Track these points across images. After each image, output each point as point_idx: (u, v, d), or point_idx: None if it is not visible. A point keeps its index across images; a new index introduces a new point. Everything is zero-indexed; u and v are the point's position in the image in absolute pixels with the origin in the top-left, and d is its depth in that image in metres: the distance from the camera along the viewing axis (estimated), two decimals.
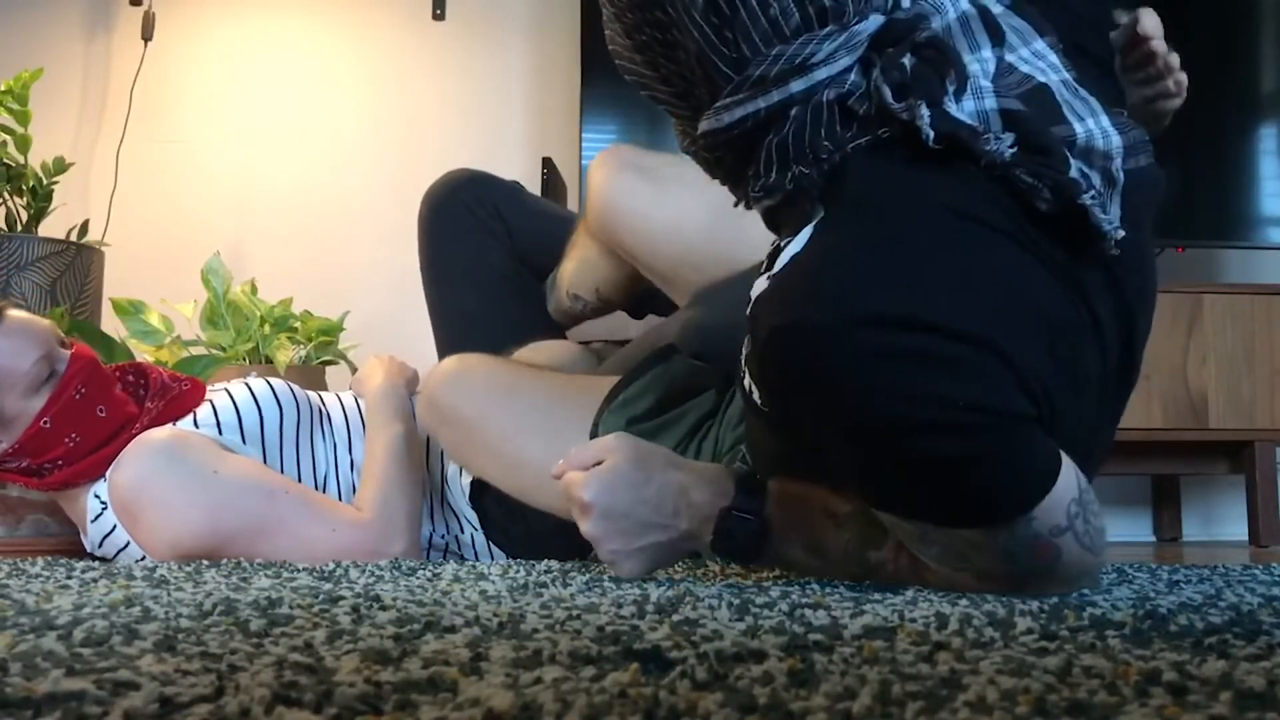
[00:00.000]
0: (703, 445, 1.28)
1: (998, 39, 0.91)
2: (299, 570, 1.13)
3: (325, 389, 2.06)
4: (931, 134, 0.84)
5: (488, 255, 1.72)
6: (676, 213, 1.47)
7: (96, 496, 1.42)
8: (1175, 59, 1.11)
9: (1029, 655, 0.58)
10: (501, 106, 2.92)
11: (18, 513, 1.62)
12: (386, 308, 2.57)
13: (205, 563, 1.25)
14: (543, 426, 1.32)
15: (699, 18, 0.88)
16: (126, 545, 1.41)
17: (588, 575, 1.07)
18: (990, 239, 0.83)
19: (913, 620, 0.71)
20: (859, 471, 0.86)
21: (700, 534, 0.99)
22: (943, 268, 0.81)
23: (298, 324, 2.13)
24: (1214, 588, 0.99)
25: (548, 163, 2.57)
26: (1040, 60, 0.91)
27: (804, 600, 0.82)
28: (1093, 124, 0.88)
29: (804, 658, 0.56)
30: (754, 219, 1.27)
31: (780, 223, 0.98)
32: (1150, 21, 1.08)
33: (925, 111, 0.85)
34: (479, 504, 1.54)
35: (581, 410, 1.32)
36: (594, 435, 1.27)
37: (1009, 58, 0.91)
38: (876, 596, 0.87)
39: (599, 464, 1.01)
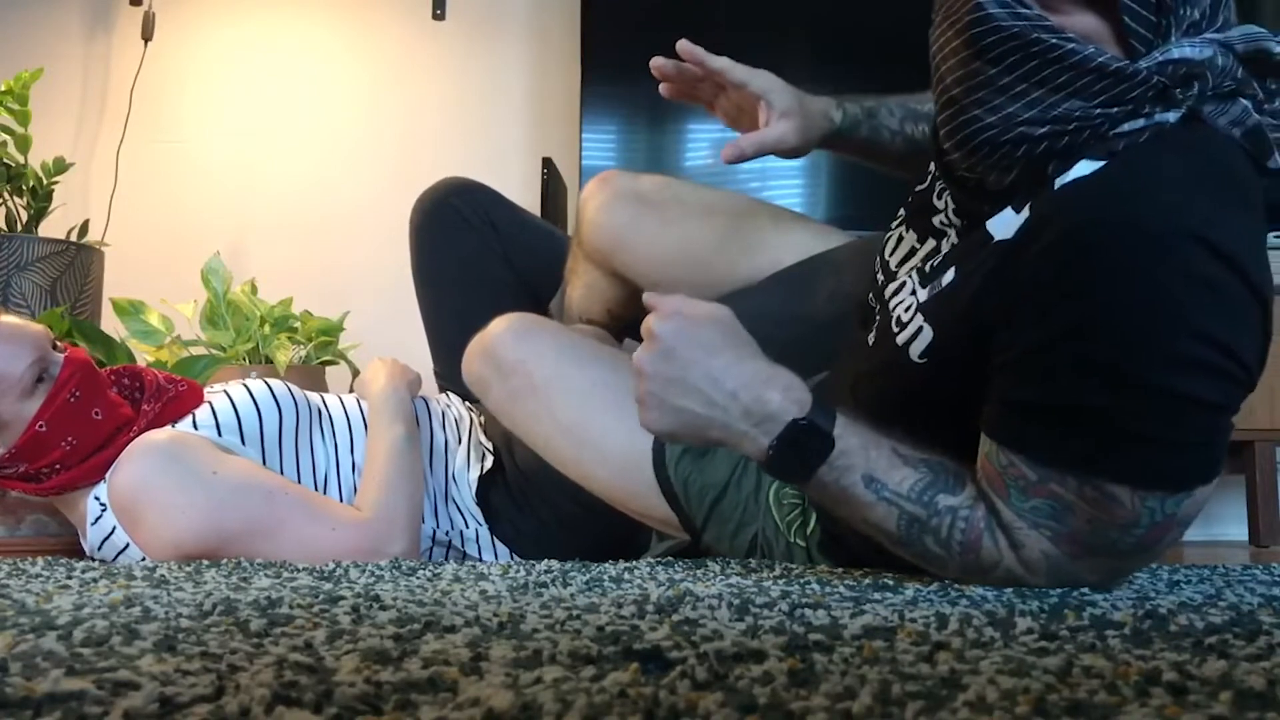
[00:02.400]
0: (749, 464, 1.26)
1: None
2: (299, 570, 1.13)
3: (325, 389, 2.06)
4: None
5: (482, 259, 1.72)
6: (684, 234, 1.46)
7: (96, 499, 1.42)
8: None
9: (1029, 655, 0.58)
10: (501, 106, 2.92)
11: (18, 513, 1.61)
12: (386, 308, 2.57)
13: (205, 563, 1.25)
14: (613, 400, 1.26)
15: None
16: (126, 547, 1.40)
17: (588, 575, 1.07)
18: (1260, 214, 0.90)
19: (913, 620, 0.71)
20: (1048, 400, 0.88)
21: (754, 436, 0.94)
22: (1243, 221, 0.87)
23: (298, 324, 2.13)
24: (1214, 588, 0.99)
25: (548, 163, 2.57)
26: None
27: (804, 600, 0.82)
28: None
29: (804, 658, 0.56)
30: (763, 238, 1.31)
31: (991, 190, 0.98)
32: None
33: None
34: (484, 499, 1.54)
35: None
36: (660, 444, 1.26)
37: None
38: (876, 597, 0.87)
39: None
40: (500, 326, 1.36)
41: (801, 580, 1.02)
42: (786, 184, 2.75)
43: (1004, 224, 0.94)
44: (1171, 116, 0.90)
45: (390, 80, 2.91)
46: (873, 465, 0.94)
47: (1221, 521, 2.86)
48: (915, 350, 0.99)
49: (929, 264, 1.04)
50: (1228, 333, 0.84)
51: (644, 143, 2.74)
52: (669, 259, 1.46)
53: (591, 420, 1.29)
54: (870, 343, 1.09)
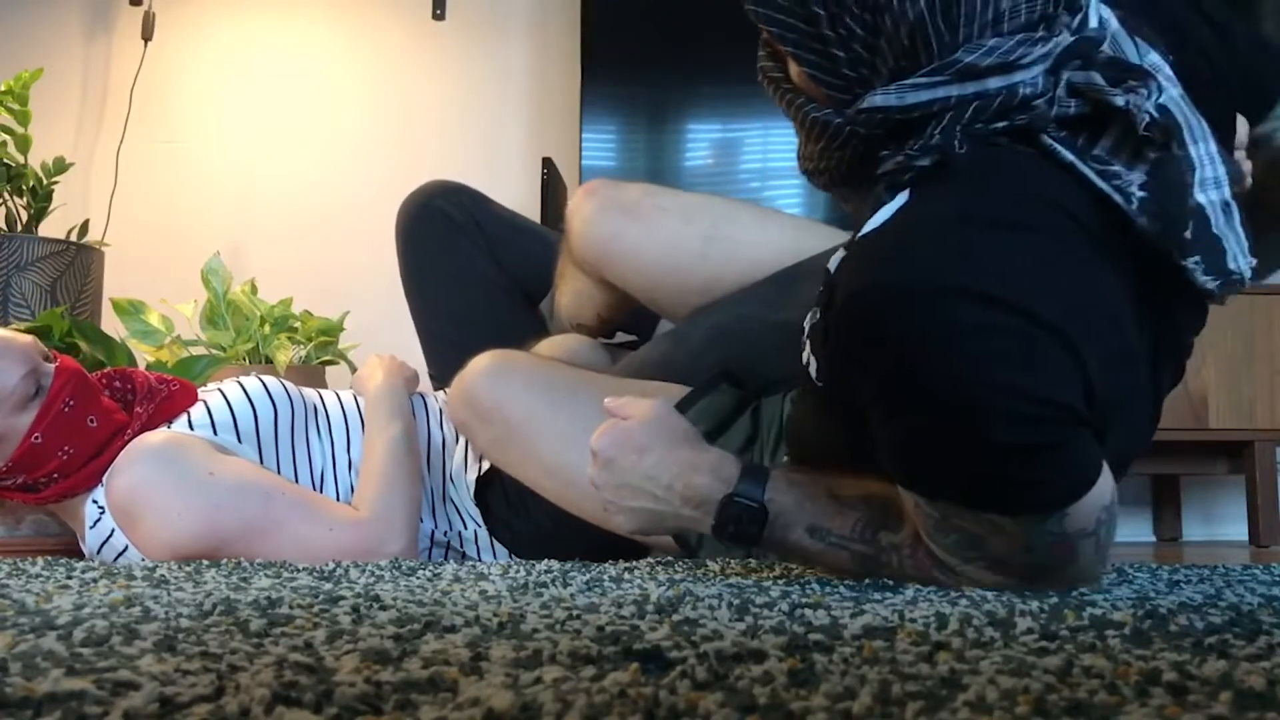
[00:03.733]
0: None
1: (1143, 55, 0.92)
2: (299, 570, 1.13)
3: (325, 389, 2.06)
4: (1148, 118, 0.85)
5: (471, 260, 1.73)
6: (668, 244, 1.47)
7: (94, 502, 1.42)
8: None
9: (1029, 655, 0.58)
10: (501, 106, 2.92)
11: (18, 513, 1.61)
12: (386, 308, 2.56)
13: (205, 563, 1.25)
14: (588, 435, 1.30)
15: None
16: (125, 550, 1.40)
17: (588, 575, 1.07)
18: (1076, 238, 0.85)
19: (913, 620, 0.71)
20: (905, 446, 0.87)
21: (699, 518, 1.00)
22: (1031, 255, 0.83)
23: (298, 324, 2.13)
24: (1214, 588, 0.99)
25: (548, 163, 2.57)
26: (1159, 73, 0.92)
27: (804, 600, 0.82)
28: (1204, 149, 0.89)
29: (804, 658, 0.56)
30: (742, 238, 1.30)
31: (855, 204, 0.99)
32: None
33: (1144, 95, 0.86)
34: (483, 500, 1.54)
35: None
36: None
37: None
38: (876, 596, 0.87)
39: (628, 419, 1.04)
40: (475, 369, 1.37)
41: (801, 580, 1.02)
42: (786, 184, 2.75)
43: (834, 260, 0.95)
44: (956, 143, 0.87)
45: (390, 80, 2.91)
46: (813, 516, 0.97)
47: (1221, 521, 2.87)
48: (812, 372, 0.99)
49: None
50: (1023, 377, 0.80)
51: (644, 143, 2.74)
52: (653, 268, 1.48)
53: (575, 458, 1.29)
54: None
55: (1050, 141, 0.88)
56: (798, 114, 0.96)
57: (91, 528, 1.42)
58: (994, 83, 0.87)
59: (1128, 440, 0.95)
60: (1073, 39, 0.89)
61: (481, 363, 1.38)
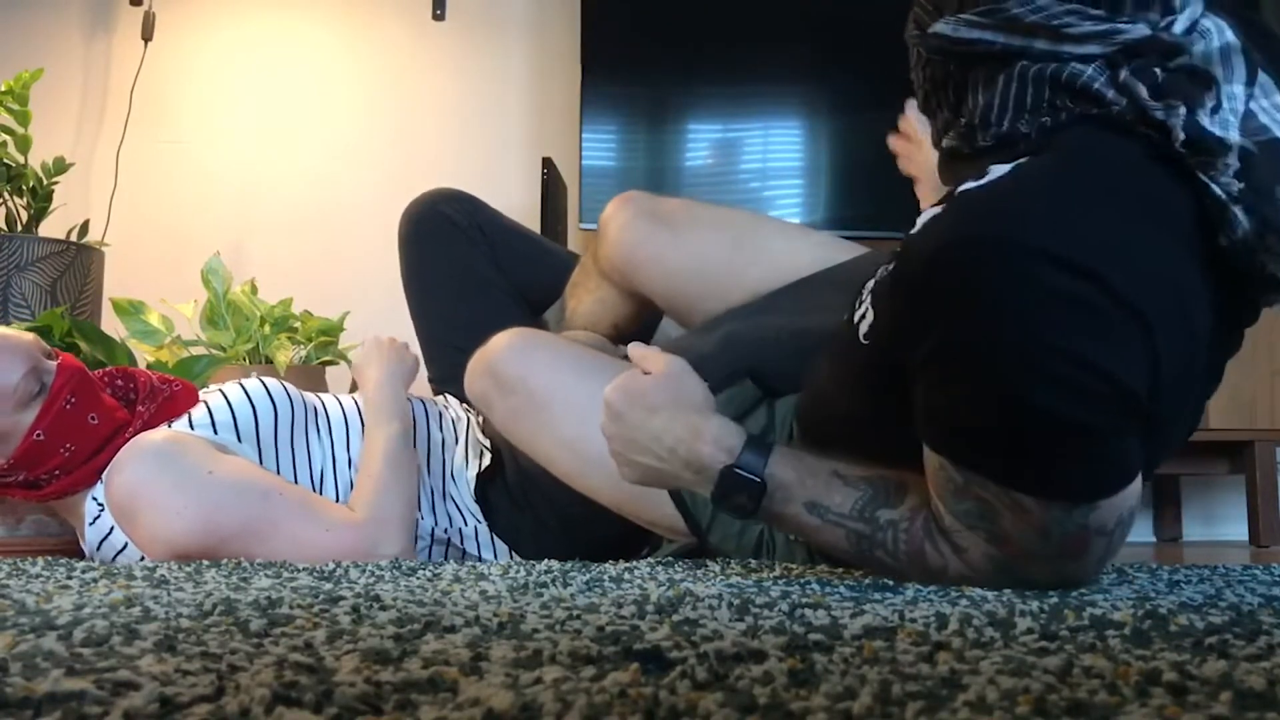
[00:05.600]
0: None
1: (1251, 79, 0.92)
2: (299, 570, 1.13)
3: (325, 389, 2.06)
4: (1182, 136, 0.86)
5: (474, 264, 1.74)
6: (696, 253, 1.50)
7: (94, 500, 1.43)
8: None
9: (1029, 655, 0.58)
10: (501, 106, 2.92)
11: (18, 513, 1.61)
12: (386, 308, 2.56)
13: (205, 563, 1.25)
14: None
15: None
16: (124, 548, 1.40)
17: (588, 575, 1.07)
18: (1169, 229, 0.86)
19: (913, 620, 0.71)
20: (950, 410, 0.88)
21: (699, 483, 1.02)
22: (1126, 236, 0.84)
23: (298, 324, 2.13)
24: (1214, 588, 0.99)
25: (548, 163, 2.57)
26: (1278, 114, 0.92)
27: (804, 600, 0.82)
28: None
29: (804, 658, 0.56)
30: (768, 247, 1.32)
31: (958, 171, 1.00)
32: None
33: (1182, 112, 0.87)
34: (484, 497, 1.54)
35: None
36: None
37: (1251, 104, 0.92)
38: (876, 597, 0.87)
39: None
40: (501, 342, 1.38)
41: (801, 580, 1.02)
42: (786, 184, 2.75)
43: (921, 220, 0.96)
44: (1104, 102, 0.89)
45: (390, 80, 2.91)
46: (812, 492, 0.98)
47: (1221, 521, 2.87)
48: (862, 330, 1.01)
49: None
50: (1093, 350, 0.81)
51: (644, 143, 2.74)
52: (681, 274, 1.51)
53: (594, 433, 1.30)
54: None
55: (1146, 130, 0.89)
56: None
57: (91, 524, 1.42)
58: (1040, 44, 0.90)
59: (1163, 445, 0.95)
60: (1147, 34, 0.90)
61: (507, 337, 1.39)
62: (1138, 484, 0.88)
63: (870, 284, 1.03)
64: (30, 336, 1.46)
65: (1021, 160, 0.90)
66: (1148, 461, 0.91)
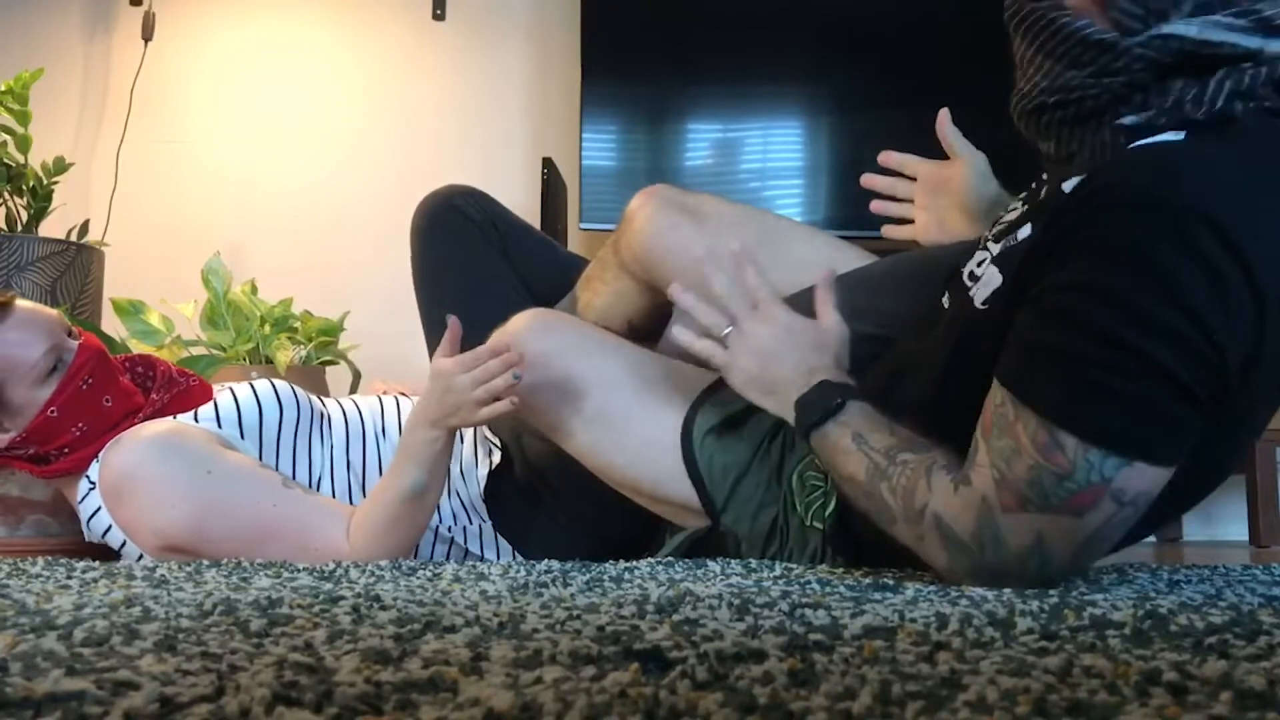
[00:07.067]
0: (772, 445, 1.30)
1: None
2: (299, 570, 1.13)
3: (325, 389, 2.06)
4: None
5: (487, 256, 1.74)
6: (715, 244, 1.50)
7: (87, 477, 1.44)
8: None
9: (1029, 655, 0.58)
10: (501, 106, 2.92)
11: (18, 513, 1.62)
12: (386, 308, 2.57)
13: (205, 562, 1.25)
14: (637, 388, 1.34)
15: None
16: (110, 528, 1.41)
17: (588, 575, 1.07)
18: None
19: (913, 620, 0.71)
20: (1042, 348, 0.91)
21: (795, 385, 1.13)
22: (1277, 222, 0.87)
23: (298, 324, 2.13)
24: (1214, 588, 0.99)
25: (548, 163, 2.57)
26: None
27: (804, 600, 0.82)
28: None
29: (804, 658, 0.56)
30: (791, 248, 1.35)
31: (1059, 153, 1.02)
32: None
33: None
34: (492, 495, 1.54)
35: (677, 391, 1.34)
36: (689, 420, 1.31)
37: None
38: (876, 596, 0.87)
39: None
40: (522, 321, 1.39)
41: (801, 580, 1.02)
42: (786, 184, 2.75)
43: (1073, 183, 0.97)
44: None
45: (390, 80, 2.91)
46: (863, 427, 1.07)
47: (1221, 521, 2.87)
48: (979, 296, 1.03)
49: (1007, 222, 1.09)
50: (1213, 315, 0.85)
51: (644, 143, 2.74)
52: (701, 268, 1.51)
53: (614, 408, 1.34)
54: (945, 310, 1.15)
55: None
56: (1060, 34, 0.98)
57: (80, 502, 1.44)
58: (1275, 46, 0.90)
59: (1231, 438, 0.99)
60: None
61: (527, 316, 1.40)
62: (1165, 477, 0.90)
63: (980, 258, 1.07)
64: (55, 313, 1.47)
65: (1196, 126, 0.92)
66: (1220, 459, 0.96)
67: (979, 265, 1.08)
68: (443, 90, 2.92)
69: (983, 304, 1.03)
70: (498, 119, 2.92)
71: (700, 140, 2.77)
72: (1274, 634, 0.66)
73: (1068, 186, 0.98)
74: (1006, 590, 0.92)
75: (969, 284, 1.07)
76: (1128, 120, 0.96)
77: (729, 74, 2.71)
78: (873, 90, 2.62)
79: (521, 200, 2.78)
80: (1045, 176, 1.09)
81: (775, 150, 2.76)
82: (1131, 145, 0.94)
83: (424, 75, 2.92)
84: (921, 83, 2.51)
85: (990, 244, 1.08)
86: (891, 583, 0.99)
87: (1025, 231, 1.02)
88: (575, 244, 2.67)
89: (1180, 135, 0.92)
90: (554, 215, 2.54)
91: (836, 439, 1.07)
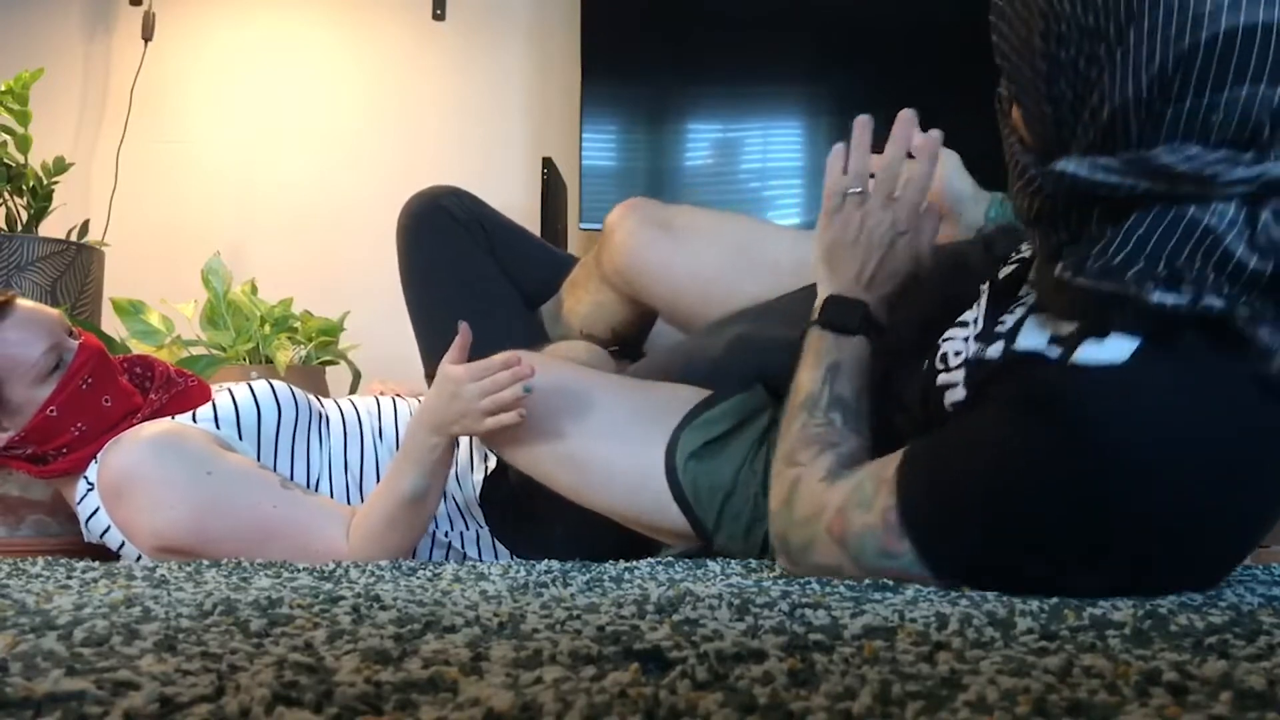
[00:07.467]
0: (756, 459, 1.29)
1: None
2: (299, 570, 1.13)
3: (325, 389, 2.06)
4: None
5: (474, 256, 1.74)
6: (701, 261, 1.52)
7: (85, 478, 1.44)
8: None
9: (1029, 655, 0.58)
10: (501, 106, 2.92)
11: (18, 513, 1.62)
12: (386, 308, 2.56)
13: (205, 562, 1.25)
14: (613, 423, 1.34)
15: (1143, 83, 0.82)
16: (108, 528, 1.41)
17: (588, 575, 1.07)
18: (1262, 470, 0.89)
19: (913, 620, 0.71)
20: (966, 485, 0.93)
21: (845, 288, 1.14)
22: (1215, 487, 0.87)
23: (298, 324, 2.13)
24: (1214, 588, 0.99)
25: (548, 163, 2.57)
26: None
27: (804, 600, 0.82)
28: None
29: (804, 658, 0.56)
30: (773, 255, 1.36)
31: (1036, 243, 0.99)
32: None
33: None
34: (488, 501, 1.54)
35: (656, 424, 1.33)
36: (672, 448, 1.30)
37: None
38: (876, 597, 0.87)
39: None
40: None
41: (801, 580, 1.02)
42: (786, 184, 2.75)
43: (1035, 336, 0.93)
44: (1216, 303, 0.84)
45: (390, 80, 2.91)
46: (845, 368, 1.11)
47: None
48: (949, 399, 1.01)
49: (997, 323, 1.02)
50: (1124, 527, 0.86)
51: (644, 143, 2.74)
52: (685, 282, 1.52)
53: (592, 447, 1.33)
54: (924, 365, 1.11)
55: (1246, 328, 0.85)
56: (1007, 148, 0.98)
57: (79, 502, 1.44)
58: (1185, 189, 0.83)
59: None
60: None
61: (501, 357, 1.37)
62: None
63: (957, 346, 1.03)
64: (55, 313, 1.47)
65: (1142, 349, 0.87)
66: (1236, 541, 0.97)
67: (955, 355, 1.03)
68: (442, 90, 2.92)
69: (950, 407, 1.01)
70: (498, 119, 2.92)
71: (700, 140, 2.77)
72: (1274, 634, 0.66)
73: (1031, 341, 0.94)
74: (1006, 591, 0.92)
75: (940, 368, 1.04)
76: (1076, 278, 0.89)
77: (729, 74, 2.71)
78: (873, 90, 2.62)
79: (521, 200, 2.78)
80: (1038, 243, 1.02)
81: (775, 150, 2.76)
82: (1080, 360, 0.88)
83: (424, 75, 2.91)
84: (921, 83, 2.51)
85: (974, 329, 1.03)
86: (891, 583, 0.99)
87: (996, 350, 0.97)
88: (575, 244, 2.67)
89: (1133, 346, 0.86)
90: (554, 215, 2.54)
91: (821, 351, 1.11)
